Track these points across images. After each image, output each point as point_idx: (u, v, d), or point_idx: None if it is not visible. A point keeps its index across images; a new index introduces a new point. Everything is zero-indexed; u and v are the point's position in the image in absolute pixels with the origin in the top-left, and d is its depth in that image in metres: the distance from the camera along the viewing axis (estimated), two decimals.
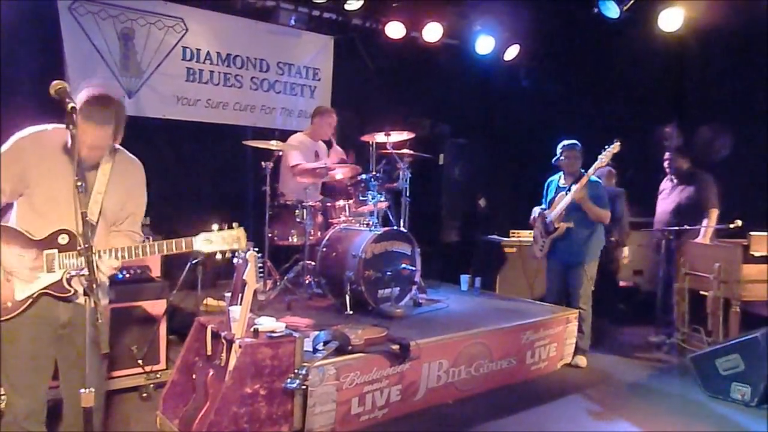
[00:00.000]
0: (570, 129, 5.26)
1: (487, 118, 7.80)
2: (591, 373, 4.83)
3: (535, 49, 7.21)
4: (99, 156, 2.46)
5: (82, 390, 2.05)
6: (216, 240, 2.51)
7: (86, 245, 2.12)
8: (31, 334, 2.45)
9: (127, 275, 4.02)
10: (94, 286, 2.08)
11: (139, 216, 2.68)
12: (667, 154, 5.67)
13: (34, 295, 2.42)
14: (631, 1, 5.82)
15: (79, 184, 2.10)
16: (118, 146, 2.57)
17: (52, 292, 2.43)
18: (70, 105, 2.08)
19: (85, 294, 2.07)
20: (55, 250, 2.41)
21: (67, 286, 2.44)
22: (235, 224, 2.55)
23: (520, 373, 4.57)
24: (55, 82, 2.12)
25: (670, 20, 5.85)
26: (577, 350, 4.99)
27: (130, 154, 2.66)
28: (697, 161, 5.55)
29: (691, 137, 5.71)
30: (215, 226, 2.52)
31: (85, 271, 2.12)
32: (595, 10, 6.04)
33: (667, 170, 5.69)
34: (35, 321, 2.45)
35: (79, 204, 2.19)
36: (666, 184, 5.74)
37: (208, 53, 5.90)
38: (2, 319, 2.40)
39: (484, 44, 7.02)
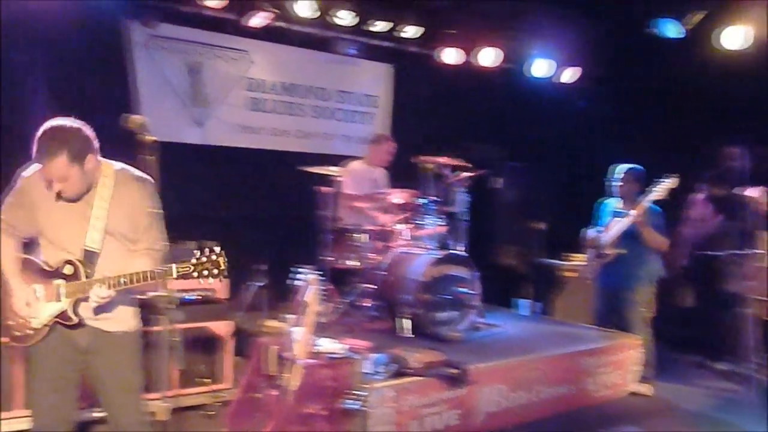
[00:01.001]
0: (627, 151, 5.19)
1: (543, 140, 7.74)
2: (656, 402, 4.69)
3: (591, 71, 7.15)
4: (75, 186, 2.48)
5: (159, 403, 2.16)
6: (194, 266, 2.49)
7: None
8: (50, 360, 2.59)
9: (195, 297, 4.18)
10: (169, 305, 2.19)
11: (154, 231, 2.63)
12: (710, 176, 5.50)
13: (48, 323, 2.54)
14: (695, 20, 5.71)
15: None
16: (121, 166, 2.62)
17: (61, 321, 2.54)
18: (149, 138, 2.22)
19: (160, 314, 2.19)
20: (62, 280, 2.52)
21: (71, 315, 2.51)
22: (216, 248, 2.56)
23: (581, 399, 4.48)
24: (133, 116, 2.28)
25: (734, 38, 5.71)
26: (641, 377, 4.86)
27: (136, 171, 2.65)
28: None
29: (758, 159, 5.52)
30: (196, 252, 2.51)
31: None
32: (652, 29, 5.96)
33: (707, 191, 5.51)
34: (54, 347, 2.58)
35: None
36: (701, 207, 5.56)
37: (271, 83, 6.12)
38: (25, 345, 2.57)
39: (539, 67, 7.02)
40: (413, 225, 5.24)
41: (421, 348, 4.08)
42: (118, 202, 2.56)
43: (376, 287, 4.97)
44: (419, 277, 4.58)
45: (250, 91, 6.01)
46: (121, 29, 5.27)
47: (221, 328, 4.22)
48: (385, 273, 4.94)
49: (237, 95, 5.94)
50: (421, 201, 5.20)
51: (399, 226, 5.25)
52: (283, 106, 6.21)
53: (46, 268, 2.55)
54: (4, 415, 3.48)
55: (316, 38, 6.24)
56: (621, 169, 4.95)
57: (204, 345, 4.12)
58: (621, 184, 4.92)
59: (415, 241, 5.21)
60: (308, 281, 3.34)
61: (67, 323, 2.53)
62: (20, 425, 3.40)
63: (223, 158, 5.79)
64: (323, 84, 6.44)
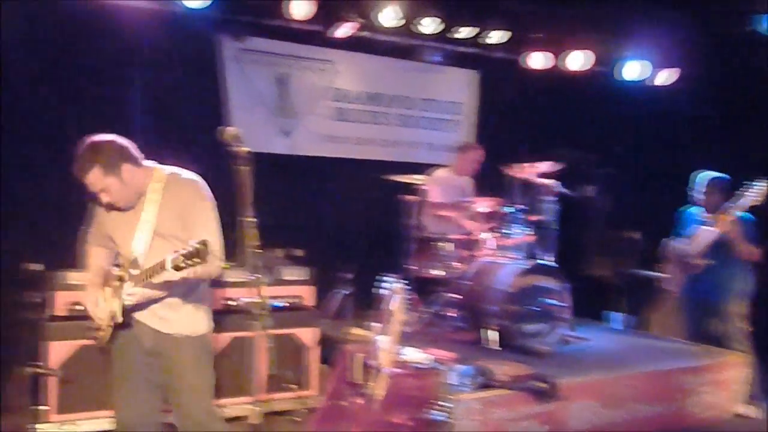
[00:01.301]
0: (724, 157, 4.92)
1: (636, 146, 7.45)
2: (764, 425, 4.39)
3: (688, 73, 6.82)
4: (119, 195, 2.61)
5: (251, 407, 2.23)
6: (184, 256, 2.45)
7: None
8: (123, 360, 2.77)
9: (283, 304, 4.29)
10: (262, 311, 2.26)
11: (209, 229, 2.65)
12: None
13: (110, 324, 2.69)
14: None
15: None
16: (172, 170, 2.73)
17: (114, 322, 2.68)
18: (243, 149, 2.31)
19: (253, 320, 2.26)
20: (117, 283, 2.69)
21: (118, 315, 2.63)
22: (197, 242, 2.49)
23: (680, 420, 4.26)
24: (228, 128, 2.38)
25: None
26: (748, 398, 4.57)
27: (185, 173, 2.75)
28: None
29: None
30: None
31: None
32: (750, 27, 5.63)
33: None
34: (124, 347, 2.74)
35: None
36: None
37: (356, 93, 6.22)
38: (99, 345, 2.74)
39: (632, 69, 6.77)
40: (499, 234, 5.17)
41: (508, 361, 4.02)
42: (167, 204, 2.65)
43: (461, 297, 4.93)
44: (506, 288, 4.51)
45: (335, 101, 6.13)
46: (213, 44, 5.50)
47: (307, 335, 4.31)
48: (471, 282, 4.89)
49: (323, 105, 6.07)
50: (507, 209, 5.13)
51: (485, 235, 5.19)
52: (367, 116, 6.29)
53: (113, 272, 2.74)
54: (91, 414, 3.70)
55: (400, 47, 6.29)
56: (704, 176, 4.72)
57: (290, 351, 4.22)
58: (706, 192, 4.69)
59: (501, 251, 5.13)
60: (394, 290, 3.35)
61: (116, 324, 2.66)
62: (104, 425, 3.59)
63: (309, 167, 5.93)
64: (408, 92, 6.48)
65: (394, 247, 5.88)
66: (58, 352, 3.75)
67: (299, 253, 5.16)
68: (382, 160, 6.30)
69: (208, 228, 2.64)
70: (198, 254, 2.24)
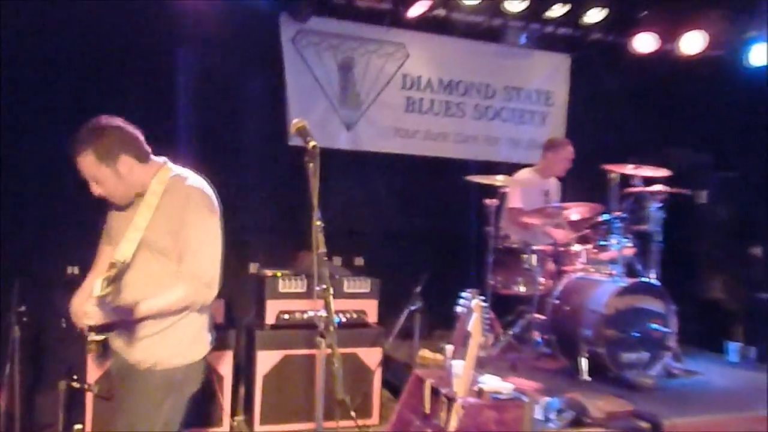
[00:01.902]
0: None
1: (761, 146, 7.21)
2: None
3: None
4: (112, 190, 2.60)
5: None
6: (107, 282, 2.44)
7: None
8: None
9: (344, 319, 4.38)
10: (327, 327, 2.32)
11: (194, 252, 2.55)
12: None
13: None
14: None
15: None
16: (177, 173, 2.68)
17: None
18: (312, 143, 2.39)
19: (322, 336, 2.33)
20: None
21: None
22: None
23: None
24: (295, 120, 2.47)
25: None
26: None
27: (192, 179, 2.68)
28: None
29: None
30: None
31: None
32: None
33: None
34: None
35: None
36: None
37: (428, 80, 6.27)
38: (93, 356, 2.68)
39: (759, 54, 6.56)
40: (594, 245, 5.13)
41: (603, 394, 3.98)
42: (163, 212, 2.60)
43: (547, 318, 4.91)
44: (601, 309, 4.48)
45: (404, 90, 6.19)
46: (272, 25, 5.65)
47: (370, 355, 4.40)
48: (559, 302, 4.87)
49: (390, 94, 6.14)
50: (604, 217, 5.08)
51: (576, 247, 5.16)
52: (441, 106, 6.33)
53: None
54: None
55: (481, 27, 6.29)
56: None
57: (350, 374, 4.30)
58: None
59: (595, 265, 5.09)
60: (470, 307, 3.37)
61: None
62: None
63: (373, 165, 6.01)
64: (488, 79, 6.48)
65: (471, 259, 5.92)
66: (265, 361, 4.20)
67: (360, 262, 5.25)
68: (457, 158, 6.33)
69: (201, 249, 2.55)
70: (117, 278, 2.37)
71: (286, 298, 4.32)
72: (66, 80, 4.86)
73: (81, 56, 4.90)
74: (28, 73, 4.72)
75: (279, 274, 4.44)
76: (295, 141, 2.49)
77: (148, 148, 2.69)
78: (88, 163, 2.55)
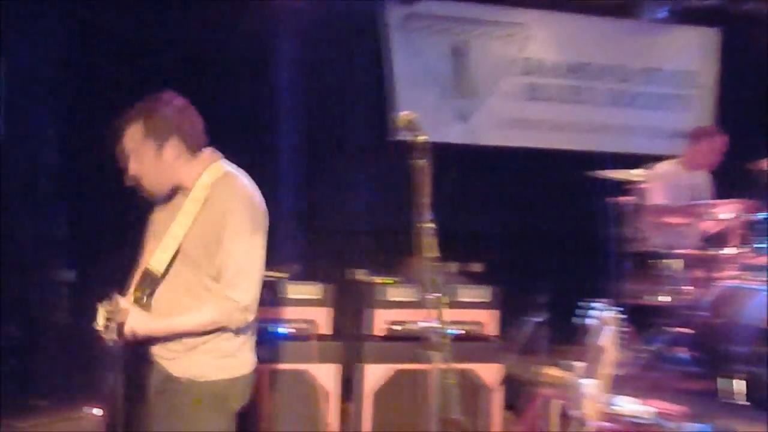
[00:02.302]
0: None
1: None
2: None
3: None
4: (149, 172, 2.58)
5: None
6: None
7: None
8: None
9: (460, 332, 4.38)
10: (441, 340, 2.32)
11: (234, 274, 2.51)
12: None
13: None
14: None
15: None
16: (227, 172, 2.64)
17: None
18: (421, 137, 2.40)
19: (434, 350, 2.33)
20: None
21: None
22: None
23: None
24: (402, 113, 2.48)
25: None
26: None
27: (242, 179, 2.64)
28: None
29: None
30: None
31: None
32: None
33: None
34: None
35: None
36: None
37: (554, 63, 6.19)
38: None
39: None
40: (749, 249, 4.92)
41: (760, 421, 3.83)
42: (206, 215, 2.54)
43: (693, 332, 4.77)
44: (758, 322, 4.32)
45: (526, 76, 6.14)
46: (376, 10, 5.74)
47: (488, 372, 4.37)
48: (708, 314, 4.72)
49: (510, 81, 6.11)
50: (760, 216, 4.87)
51: (728, 251, 4.98)
52: (567, 92, 6.23)
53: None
54: None
55: (612, 2, 6.17)
56: None
57: (467, 392, 4.27)
58: None
59: (751, 272, 4.88)
60: (603, 320, 3.31)
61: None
62: None
63: (491, 160, 5.98)
64: (621, 60, 6.34)
65: (603, 264, 5.78)
66: (374, 376, 4.24)
67: (478, 267, 5.24)
68: (586, 150, 6.21)
69: (241, 271, 2.51)
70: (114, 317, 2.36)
71: (396, 308, 4.35)
72: (165, 79, 5.10)
73: (178, 53, 5.16)
74: (129, 71, 5.01)
75: (388, 281, 4.50)
76: (401, 136, 2.50)
77: (204, 140, 2.66)
78: (134, 134, 2.54)
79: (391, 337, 4.35)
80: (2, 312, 4.93)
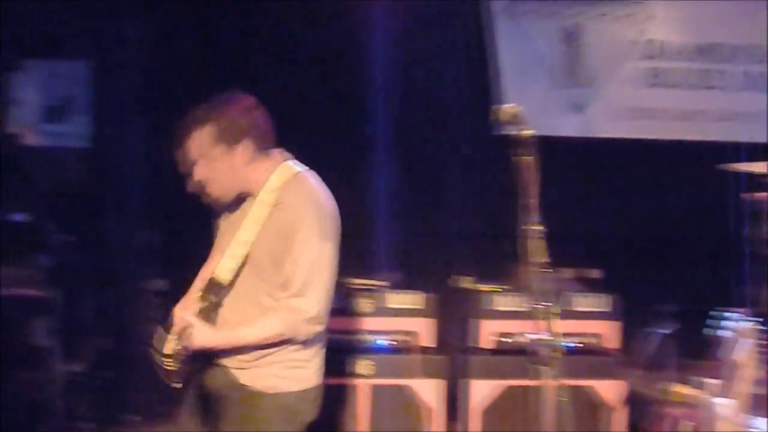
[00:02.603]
0: None
1: None
2: None
3: None
4: (218, 177, 2.61)
5: None
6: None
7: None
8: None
9: (578, 344, 4.30)
10: (552, 353, 2.29)
11: (303, 285, 2.54)
12: None
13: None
14: None
15: None
16: (297, 173, 2.68)
17: None
18: (528, 132, 2.37)
19: (545, 364, 2.30)
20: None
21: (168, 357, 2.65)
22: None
23: None
24: (506, 106, 2.46)
25: None
26: None
27: (312, 179, 2.69)
28: None
29: None
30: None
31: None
32: None
33: None
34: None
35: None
36: None
37: (680, 46, 6.00)
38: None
39: None
40: None
41: None
42: (269, 231, 2.59)
43: None
44: None
45: (648, 60, 5.97)
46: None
47: (608, 389, 4.29)
48: None
49: (630, 67, 5.95)
50: None
51: None
52: (695, 77, 6.03)
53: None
54: None
55: None
56: None
57: (585, 411, 4.22)
58: None
59: None
60: (739, 332, 3.20)
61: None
62: None
63: (610, 155, 5.85)
64: (756, 39, 6.08)
65: (738, 269, 5.59)
66: (481, 392, 4.26)
67: (596, 273, 5.14)
68: (718, 141, 5.99)
69: (311, 282, 2.55)
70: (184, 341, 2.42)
71: (504, 318, 4.34)
72: (256, 80, 5.27)
73: (270, 52, 5.31)
74: (221, 74, 5.18)
75: (495, 289, 4.48)
76: (505, 130, 2.47)
77: (274, 140, 2.71)
78: (203, 138, 2.57)
79: (499, 351, 4.34)
80: (96, 324, 5.20)
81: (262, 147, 2.64)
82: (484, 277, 4.74)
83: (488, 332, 4.35)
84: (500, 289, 4.48)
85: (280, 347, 2.61)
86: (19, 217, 5.49)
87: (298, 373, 2.69)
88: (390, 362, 4.23)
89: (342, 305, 4.22)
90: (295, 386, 2.68)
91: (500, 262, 4.90)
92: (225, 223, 2.79)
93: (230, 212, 2.75)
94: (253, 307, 2.61)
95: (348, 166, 5.31)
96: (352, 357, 4.18)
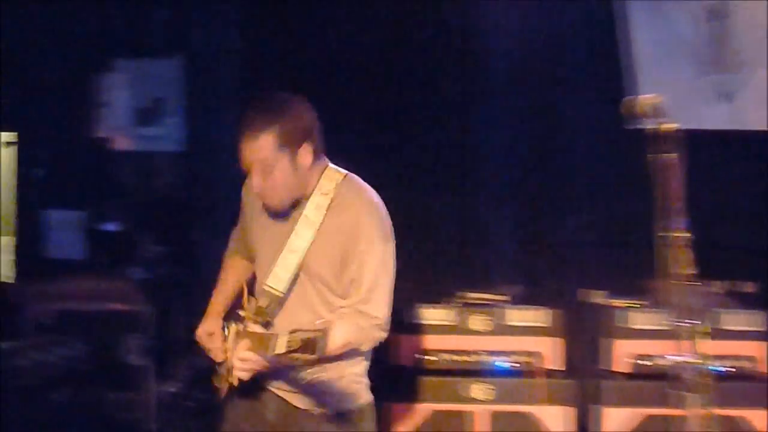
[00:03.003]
0: None
1: None
2: None
3: None
4: (281, 186, 2.64)
5: None
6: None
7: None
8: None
9: (729, 368, 4.18)
10: (700, 379, 2.22)
11: (369, 290, 2.64)
12: None
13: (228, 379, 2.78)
14: None
15: None
16: (347, 176, 2.75)
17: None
18: (669, 125, 2.31)
19: (689, 391, 2.24)
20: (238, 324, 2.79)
21: (225, 373, 2.75)
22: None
23: None
24: (644, 96, 2.41)
25: None
26: None
27: (362, 191, 2.76)
28: None
29: None
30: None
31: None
32: None
33: None
34: (238, 414, 2.84)
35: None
36: None
37: None
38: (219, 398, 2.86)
39: None
40: None
41: None
42: (326, 235, 2.67)
43: None
44: None
45: None
46: None
47: (764, 420, 4.16)
48: None
49: None
50: None
51: None
52: None
53: (243, 305, 2.84)
54: None
55: None
56: None
57: None
58: None
59: None
60: None
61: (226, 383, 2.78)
62: None
63: (764, 150, 5.66)
64: None
65: None
66: (616, 421, 4.22)
67: (750, 287, 4.98)
68: None
69: (376, 286, 2.65)
70: (308, 347, 2.30)
71: (642, 338, 4.25)
72: (367, 78, 5.37)
73: (373, 52, 5.41)
74: (323, 72, 5.35)
75: (631, 304, 4.41)
76: (643, 124, 2.42)
77: (323, 143, 2.78)
78: (265, 145, 2.60)
79: (636, 375, 4.26)
80: (192, 342, 5.34)
81: (317, 150, 2.72)
82: (617, 291, 4.66)
83: (623, 353, 4.28)
84: (637, 305, 4.41)
85: (336, 363, 2.68)
86: (110, 226, 5.71)
87: (361, 386, 2.82)
88: (511, 386, 4.22)
89: (456, 322, 4.27)
90: (358, 401, 2.81)
91: (637, 274, 4.81)
92: (264, 228, 2.86)
93: (276, 218, 2.80)
94: (311, 318, 2.63)
95: (464, 165, 5.31)
96: (468, 380, 4.19)
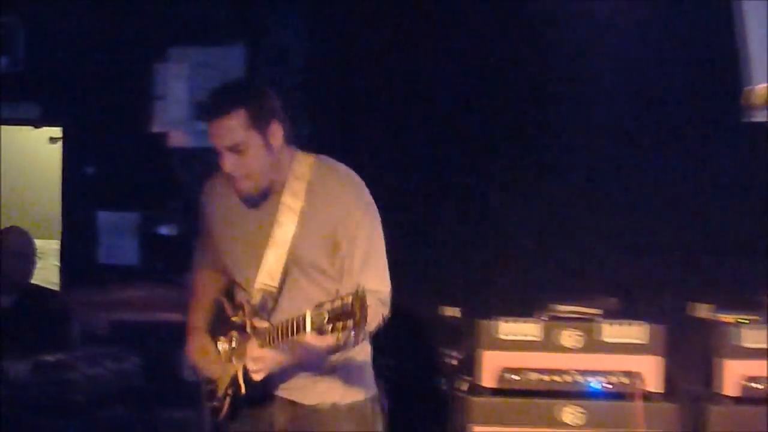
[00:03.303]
0: None
1: None
2: None
3: None
4: (255, 165, 2.70)
5: None
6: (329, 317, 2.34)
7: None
8: None
9: None
10: None
11: (368, 265, 2.72)
12: None
13: (230, 393, 2.80)
14: None
15: None
16: (320, 158, 2.85)
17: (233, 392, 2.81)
18: None
19: None
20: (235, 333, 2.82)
21: (240, 382, 2.72)
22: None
23: None
24: (760, 86, 2.31)
25: None
26: None
27: (339, 166, 2.86)
28: None
29: None
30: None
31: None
32: None
33: None
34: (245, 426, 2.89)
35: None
36: None
37: None
38: (216, 419, 2.88)
39: None
40: None
41: None
42: (313, 213, 2.74)
43: None
44: None
45: None
46: None
47: None
48: None
49: None
50: None
51: None
52: None
53: (229, 313, 2.89)
54: None
55: None
56: None
57: None
58: None
59: None
60: None
61: (234, 394, 2.79)
62: None
63: None
64: None
65: None
66: None
67: None
68: None
69: (372, 259, 2.75)
70: (351, 312, 2.24)
71: (756, 357, 4.12)
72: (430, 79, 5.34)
73: (450, 46, 5.41)
74: (387, 58, 5.37)
75: (743, 320, 4.30)
76: (759, 116, 2.34)
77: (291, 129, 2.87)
78: (235, 124, 2.67)
79: (748, 399, 4.15)
80: None
81: (286, 131, 2.81)
82: (727, 305, 4.56)
83: (733, 375, 4.17)
84: (749, 321, 4.29)
85: (341, 354, 2.72)
86: (164, 230, 5.70)
87: (368, 376, 2.96)
88: (605, 410, 4.16)
89: (544, 338, 4.22)
90: (369, 392, 2.94)
91: (750, 286, 4.69)
92: (241, 229, 2.90)
93: (247, 210, 2.86)
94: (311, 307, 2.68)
95: (556, 167, 5.25)
96: (557, 403, 4.13)
